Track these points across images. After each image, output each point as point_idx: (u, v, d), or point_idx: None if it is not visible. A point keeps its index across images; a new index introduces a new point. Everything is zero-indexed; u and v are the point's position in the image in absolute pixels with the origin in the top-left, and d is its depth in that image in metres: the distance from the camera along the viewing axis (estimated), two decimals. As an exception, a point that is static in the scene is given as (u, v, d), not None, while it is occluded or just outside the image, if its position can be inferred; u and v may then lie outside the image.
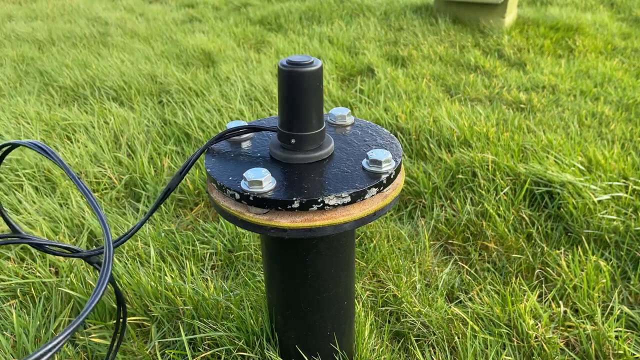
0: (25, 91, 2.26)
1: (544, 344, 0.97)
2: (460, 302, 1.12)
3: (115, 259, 1.23)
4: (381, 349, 0.98)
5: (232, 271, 1.20)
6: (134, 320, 1.05)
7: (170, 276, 1.11)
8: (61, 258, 1.23)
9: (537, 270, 1.21)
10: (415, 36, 3.09)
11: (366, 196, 0.62)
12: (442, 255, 1.29)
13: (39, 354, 0.43)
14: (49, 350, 0.44)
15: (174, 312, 1.05)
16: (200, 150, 0.68)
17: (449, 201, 1.46)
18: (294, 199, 0.59)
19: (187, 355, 0.92)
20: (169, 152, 1.70)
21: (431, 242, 1.32)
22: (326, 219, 0.61)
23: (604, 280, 1.14)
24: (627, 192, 1.42)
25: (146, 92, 2.21)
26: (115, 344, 0.67)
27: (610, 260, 1.23)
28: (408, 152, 1.73)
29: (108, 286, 1.15)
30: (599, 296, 1.12)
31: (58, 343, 0.45)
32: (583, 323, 1.04)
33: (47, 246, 0.66)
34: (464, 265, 1.24)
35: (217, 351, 0.95)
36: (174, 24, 3.46)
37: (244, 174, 0.61)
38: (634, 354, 0.96)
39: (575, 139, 1.75)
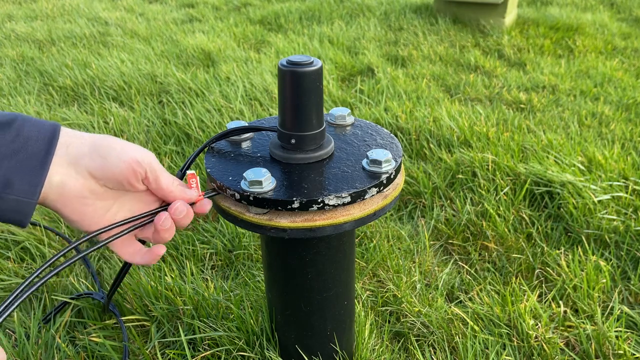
0: (25, 91, 2.26)
1: (544, 344, 0.97)
2: (460, 302, 1.12)
3: (115, 258, 1.23)
4: (381, 349, 0.98)
5: (232, 271, 1.20)
6: (134, 320, 1.05)
7: (170, 276, 1.11)
8: (61, 258, 1.24)
9: (537, 270, 1.21)
10: (415, 36, 3.09)
11: (366, 196, 0.62)
12: (442, 255, 1.29)
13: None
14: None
15: (174, 312, 1.05)
16: (200, 149, 0.69)
17: (449, 201, 1.46)
18: (294, 199, 0.59)
19: (186, 355, 0.92)
20: (169, 152, 1.70)
21: (431, 242, 1.32)
22: (326, 219, 0.61)
23: (604, 280, 1.14)
24: (627, 192, 1.42)
25: (146, 92, 2.21)
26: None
27: (610, 260, 1.23)
28: (408, 152, 1.73)
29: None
30: (599, 296, 1.12)
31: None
32: (583, 323, 1.04)
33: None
34: (464, 265, 1.24)
35: (217, 351, 0.95)
36: (174, 24, 3.46)
37: (244, 174, 0.61)
38: (634, 354, 0.96)
39: (575, 139, 1.75)
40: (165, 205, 0.58)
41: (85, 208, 0.52)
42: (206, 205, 0.61)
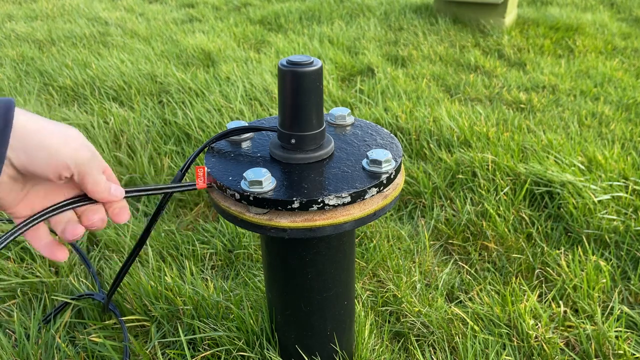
0: (25, 91, 2.26)
1: (544, 344, 0.97)
2: (460, 302, 1.12)
3: (116, 258, 1.23)
4: (381, 349, 0.98)
5: (232, 271, 1.20)
6: (134, 320, 1.05)
7: (170, 276, 1.11)
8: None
9: (537, 270, 1.21)
10: (415, 36, 3.09)
11: (366, 196, 0.62)
12: (442, 255, 1.29)
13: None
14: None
15: (174, 312, 1.05)
16: (200, 149, 0.69)
17: (449, 201, 1.46)
18: (294, 198, 0.59)
19: (186, 355, 0.92)
20: (169, 152, 1.70)
21: (431, 242, 1.32)
22: (326, 219, 0.61)
23: (604, 280, 1.14)
24: (627, 192, 1.42)
25: (146, 92, 2.21)
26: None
27: (610, 260, 1.23)
28: (408, 152, 1.73)
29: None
30: (599, 296, 1.12)
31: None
32: (583, 323, 1.04)
33: None
34: (464, 265, 1.24)
35: (217, 351, 0.95)
36: (174, 24, 3.46)
37: (244, 174, 0.61)
38: (634, 354, 0.96)
39: (575, 139, 1.75)
40: (81, 195, 0.55)
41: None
42: (122, 215, 0.58)
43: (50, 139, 0.48)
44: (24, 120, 0.47)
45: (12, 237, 0.50)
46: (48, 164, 0.48)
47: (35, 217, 0.52)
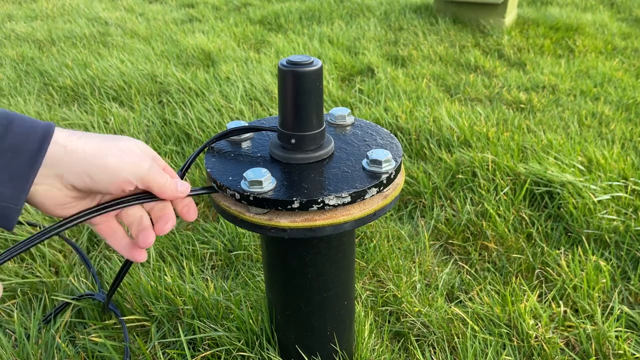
0: (25, 91, 2.26)
1: (544, 344, 0.98)
2: (460, 302, 1.12)
3: (116, 258, 1.23)
4: (381, 349, 0.98)
5: (232, 271, 1.20)
6: (134, 320, 1.05)
7: (170, 276, 1.11)
8: (61, 258, 1.24)
9: (537, 270, 1.21)
10: (415, 36, 3.09)
11: (366, 196, 0.62)
12: (442, 255, 1.29)
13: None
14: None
15: (174, 312, 1.05)
16: (200, 149, 0.69)
17: (449, 201, 1.46)
18: (294, 198, 0.59)
19: (186, 355, 0.92)
20: (169, 152, 1.70)
21: (431, 242, 1.32)
22: (326, 219, 0.61)
23: (604, 280, 1.14)
24: (627, 192, 1.42)
25: (146, 92, 2.21)
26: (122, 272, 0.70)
27: (610, 260, 1.23)
28: (408, 152, 1.73)
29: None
30: (599, 296, 1.12)
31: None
32: (583, 323, 1.04)
33: None
34: (464, 265, 1.24)
35: (217, 351, 0.95)
36: (174, 24, 3.46)
37: (244, 174, 0.61)
38: (634, 354, 0.96)
39: (575, 139, 1.75)
40: (148, 194, 0.56)
41: (67, 210, 0.52)
42: (191, 212, 0.61)
43: (109, 159, 0.50)
44: (82, 144, 0.49)
45: (79, 221, 0.52)
46: (110, 182, 0.50)
47: (99, 207, 0.53)
